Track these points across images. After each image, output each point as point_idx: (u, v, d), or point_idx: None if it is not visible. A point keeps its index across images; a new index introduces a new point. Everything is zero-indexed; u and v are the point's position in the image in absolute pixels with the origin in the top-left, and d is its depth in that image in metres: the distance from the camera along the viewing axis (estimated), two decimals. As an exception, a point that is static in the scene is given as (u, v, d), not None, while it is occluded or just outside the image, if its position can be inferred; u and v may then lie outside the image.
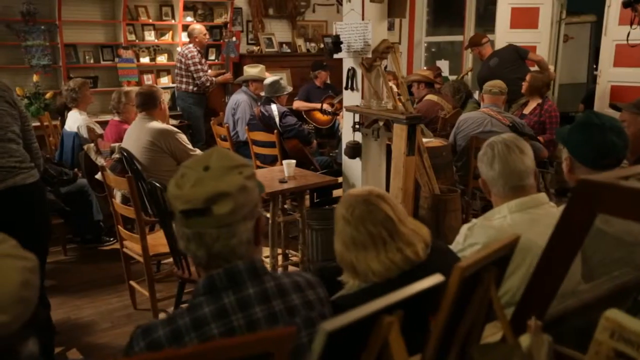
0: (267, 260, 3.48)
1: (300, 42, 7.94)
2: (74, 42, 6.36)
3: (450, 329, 1.10)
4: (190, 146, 3.83)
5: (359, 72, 3.82)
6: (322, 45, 8.07)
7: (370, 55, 3.69)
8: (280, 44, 7.79)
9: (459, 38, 7.51)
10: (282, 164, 4.59)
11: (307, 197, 4.21)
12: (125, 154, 3.74)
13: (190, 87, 6.29)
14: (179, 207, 1.22)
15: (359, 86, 3.85)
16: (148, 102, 3.87)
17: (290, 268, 3.85)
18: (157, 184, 2.84)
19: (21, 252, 1.09)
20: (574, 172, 1.89)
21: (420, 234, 1.51)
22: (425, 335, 1.17)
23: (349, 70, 3.87)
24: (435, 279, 1.07)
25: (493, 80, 4.62)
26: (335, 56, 3.83)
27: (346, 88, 3.92)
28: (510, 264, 1.65)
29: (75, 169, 4.42)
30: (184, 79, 6.31)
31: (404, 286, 1.44)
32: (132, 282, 3.43)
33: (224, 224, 1.21)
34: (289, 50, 7.83)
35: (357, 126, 3.83)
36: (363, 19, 3.69)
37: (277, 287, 1.27)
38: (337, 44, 3.73)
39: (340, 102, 6.71)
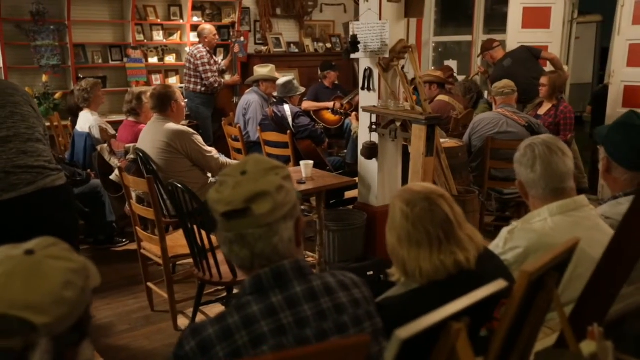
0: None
1: (308, 42, 7.91)
2: (82, 42, 6.33)
3: (512, 334, 1.07)
4: (206, 148, 3.81)
5: (375, 72, 3.80)
6: (329, 45, 8.06)
7: (387, 56, 3.67)
8: (288, 44, 7.77)
9: (467, 38, 7.48)
10: (295, 165, 4.58)
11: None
12: (141, 155, 3.72)
13: (199, 88, 6.27)
14: (220, 210, 1.24)
15: (376, 86, 3.83)
16: (162, 103, 3.84)
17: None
18: (179, 185, 2.82)
19: (69, 254, 1.08)
20: (611, 172, 1.87)
21: (475, 242, 1.49)
22: (474, 341, 1.15)
23: (365, 70, 3.85)
24: (498, 284, 1.05)
25: (502, 81, 4.58)
26: (353, 56, 3.81)
27: (362, 88, 3.90)
28: (553, 267, 1.62)
29: (88, 170, 4.40)
30: (192, 79, 6.29)
31: (451, 290, 1.42)
32: (149, 284, 3.40)
33: (265, 224, 1.23)
34: (297, 50, 7.80)
35: (374, 126, 3.81)
36: (380, 19, 3.67)
37: (324, 285, 1.27)
38: (354, 44, 3.70)
39: (349, 102, 6.71)
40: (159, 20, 6.80)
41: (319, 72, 6.86)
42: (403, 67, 3.74)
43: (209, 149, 3.85)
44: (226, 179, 1.28)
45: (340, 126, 6.58)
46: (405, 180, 4.01)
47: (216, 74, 6.30)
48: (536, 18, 5.63)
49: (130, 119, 4.39)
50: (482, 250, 1.50)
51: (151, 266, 3.94)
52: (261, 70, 5.59)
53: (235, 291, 3.15)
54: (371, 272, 3.55)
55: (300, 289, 1.23)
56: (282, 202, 1.25)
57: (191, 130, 3.80)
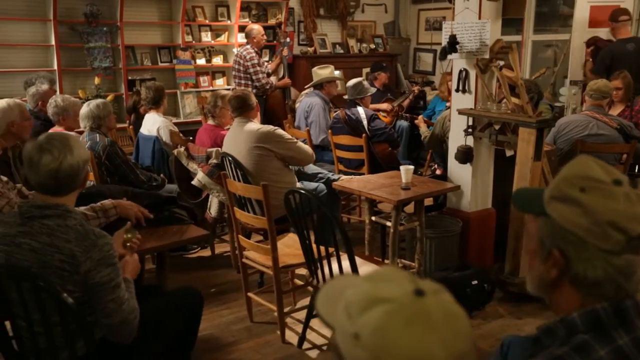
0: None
1: (352, 42, 7.79)
2: (131, 44, 6.20)
3: None
4: (288, 136, 3.68)
5: (472, 73, 3.68)
6: (373, 46, 7.93)
7: (487, 56, 3.55)
8: (333, 44, 7.65)
9: (516, 38, 7.36)
10: (370, 170, 4.45)
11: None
12: (230, 159, 3.59)
13: (250, 90, 6.12)
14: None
15: (472, 88, 3.70)
16: (244, 106, 3.74)
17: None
18: (303, 191, 2.68)
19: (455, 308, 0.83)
20: None
21: None
22: None
23: (461, 71, 3.72)
24: None
25: (600, 81, 4.35)
26: (449, 57, 3.68)
27: (457, 90, 3.77)
28: None
29: (161, 175, 4.26)
30: (243, 81, 6.12)
31: None
32: (250, 294, 3.27)
33: None
34: (342, 51, 7.67)
35: (469, 130, 3.68)
36: (480, 18, 3.55)
37: None
38: (453, 44, 3.57)
39: (400, 104, 6.58)
40: (207, 21, 6.68)
41: (370, 74, 6.76)
42: (501, 68, 3.61)
43: (290, 136, 3.73)
44: (599, 185, 1.06)
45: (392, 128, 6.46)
46: (495, 185, 3.89)
47: (267, 75, 6.18)
48: (604, 16, 5.47)
49: (210, 122, 4.26)
50: None
51: (232, 274, 3.86)
52: (322, 72, 5.41)
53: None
54: (476, 282, 3.43)
55: None
56: None
57: (273, 127, 3.66)
